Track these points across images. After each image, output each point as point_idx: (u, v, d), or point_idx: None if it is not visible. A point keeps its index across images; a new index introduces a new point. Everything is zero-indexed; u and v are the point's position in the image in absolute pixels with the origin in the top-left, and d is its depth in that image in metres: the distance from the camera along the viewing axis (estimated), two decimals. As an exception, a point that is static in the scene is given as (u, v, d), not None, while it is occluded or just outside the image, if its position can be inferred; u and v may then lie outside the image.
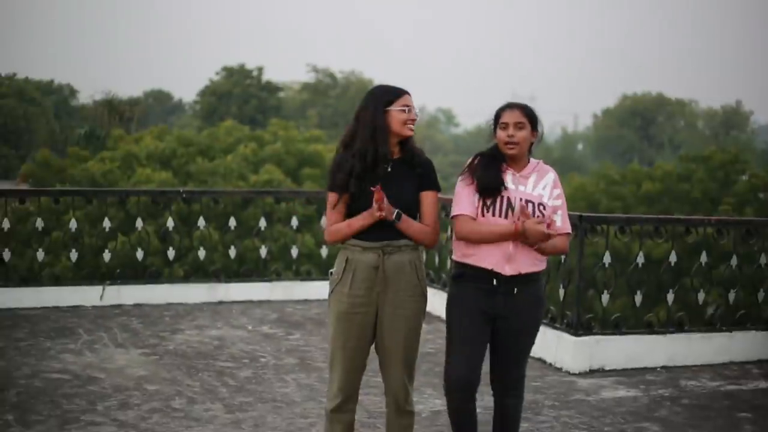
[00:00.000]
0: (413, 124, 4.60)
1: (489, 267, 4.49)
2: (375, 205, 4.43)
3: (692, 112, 77.70)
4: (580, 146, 79.26)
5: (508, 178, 4.57)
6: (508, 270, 4.49)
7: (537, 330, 4.72)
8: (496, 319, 4.56)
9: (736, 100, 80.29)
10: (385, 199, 4.43)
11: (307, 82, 70.49)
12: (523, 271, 4.52)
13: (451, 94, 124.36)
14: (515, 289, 4.52)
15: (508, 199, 4.51)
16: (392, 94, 4.61)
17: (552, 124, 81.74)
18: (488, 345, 4.66)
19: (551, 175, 4.67)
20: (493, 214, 4.50)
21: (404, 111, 4.56)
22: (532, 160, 4.68)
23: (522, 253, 4.50)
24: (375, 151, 4.52)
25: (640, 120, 74.57)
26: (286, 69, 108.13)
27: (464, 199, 4.57)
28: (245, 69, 61.34)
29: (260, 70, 61.47)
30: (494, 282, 4.50)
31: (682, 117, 76.88)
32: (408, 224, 4.55)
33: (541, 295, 4.69)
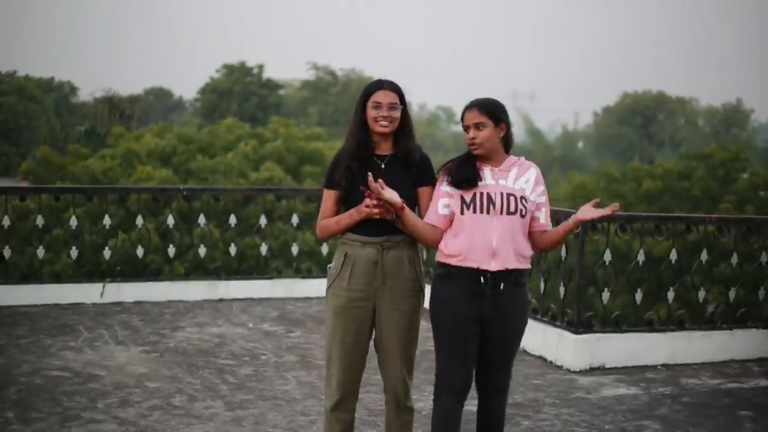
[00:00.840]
0: (385, 121, 4.51)
1: (474, 265, 4.43)
2: (365, 202, 4.41)
3: (693, 110, 77.61)
4: (580, 144, 79.03)
5: (487, 173, 4.51)
6: (493, 266, 4.44)
7: (523, 333, 4.68)
8: (483, 323, 4.50)
9: (737, 98, 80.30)
10: (389, 194, 4.37)
11: (307, 79, 70.55)
12: (510, 266, 4.47)
13: (451, 92, 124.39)
14: (502, 285, 4.45)
15: (488, 194, 4.46)
16: (370, 88, 4.57)
17: (552, 122, 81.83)
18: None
19: (534, 171, 4.61)
20: (474, 211, 4.44)
21: (373, 107, 4.51)
22: (511, 156, 4.62)
23: (505, 248, 4.45)
24: (349, 148, 4.53)
25: (640, 118, 74.51)
26: (287, 67, 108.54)
27: (432, 208, 4.53)
28: (246, 66, 61.37)
29: (261, 67, 61.53)
30: (481, 279, 4.44)
31: (682, 115, 76.79)
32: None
33: (527, 298, 4.65)
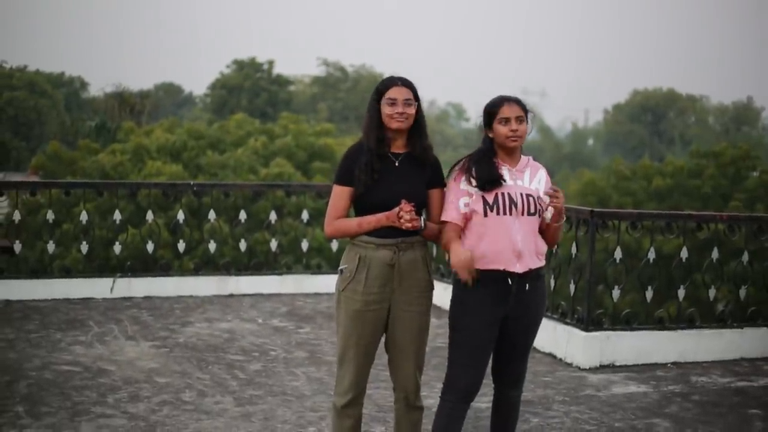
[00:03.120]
0: (401, 117, 4.46)
1: (501, 267, 4.46)
2: (398, 214, 4.36)
3: (703, 107, 77.35)
4: (590, 141, 78.85)
5: (505, 174, 4.54)
6: (519, 268, 4.48)
7: (540, 323, 4.73)
8: (505, 320, 4.55)
9: (747, 96, 79.95)
10: (413, 211, 4.37)
11: (317, 75, 70.46)
12: (532, 267, 4.52)
13: (461, 88, 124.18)
14: (527, 286, 4.51)
15: (509, 195, 4.49)
16: (384, 85, 4.53)
17: (562, 119, 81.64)
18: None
19: (543, 171, 4.68)
20: (498, 213, 4.46)
21: (388, 104, 4.47)
22: (522, 156, 4.66)
23: (528, 249, 4.50)
24: (368, 145, 4.49)
25: (650, 115, 74.31)
26: (297, 63, 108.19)
27: (451, 206, 4.53)
28: (256, 62, 61.34)
29: (271, 63, 61.47)
30: (509, 281, 4.47)
31: (692, 113, 76.54)
32: (431, 230, 4.55)
33: (545, 290, 4.71)
